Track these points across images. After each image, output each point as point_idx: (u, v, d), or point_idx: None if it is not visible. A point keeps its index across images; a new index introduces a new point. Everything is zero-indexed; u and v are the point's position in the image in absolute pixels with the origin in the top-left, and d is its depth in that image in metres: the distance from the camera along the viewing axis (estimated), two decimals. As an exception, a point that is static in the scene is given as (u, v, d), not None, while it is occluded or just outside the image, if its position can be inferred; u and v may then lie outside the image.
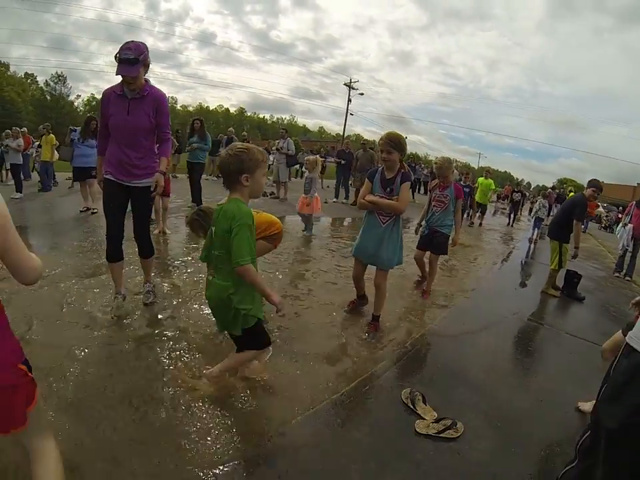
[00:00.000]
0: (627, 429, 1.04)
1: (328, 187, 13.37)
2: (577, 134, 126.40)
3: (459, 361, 2.70)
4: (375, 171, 2.93)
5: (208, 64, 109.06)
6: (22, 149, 8.94)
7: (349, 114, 34.98)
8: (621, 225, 8.26)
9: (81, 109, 55.00)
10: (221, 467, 1.51)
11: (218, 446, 1.61)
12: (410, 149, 74.55)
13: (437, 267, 4.04)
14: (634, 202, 7.62)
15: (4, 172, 10.82)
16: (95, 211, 6.45)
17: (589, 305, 4.52)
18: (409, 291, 4.05)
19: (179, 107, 71.41)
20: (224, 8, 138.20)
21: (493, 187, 11.45)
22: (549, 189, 15.55)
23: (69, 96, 51.57)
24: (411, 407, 2.02)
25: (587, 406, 2.21)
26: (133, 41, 2.46)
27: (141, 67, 2.46)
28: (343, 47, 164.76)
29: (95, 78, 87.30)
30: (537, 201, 10.98)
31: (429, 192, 4.10)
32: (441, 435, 1.85)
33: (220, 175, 2.88)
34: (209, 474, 1.48)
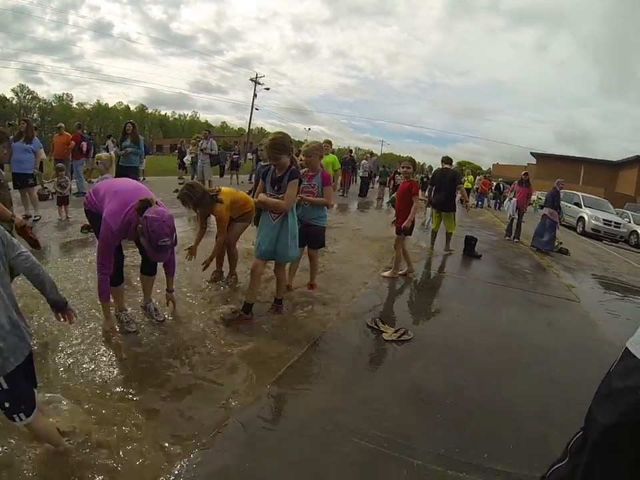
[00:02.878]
0: (620, 426, 1.09)
1: (242, 182, 13.86)
2: (473, 121, 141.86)
3: (396, 300, 3.91)
4: (267, 170, 2.95)
5: (104, 57, 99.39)
6: None
7: (255, 109, 35.46)
8: (507, 199, 10.56)
9: None
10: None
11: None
12: (311, 139, 76.83)
13: (317, 260, 3.88)
14: (516, 181, 9.78)
15: None
16: (37, 217, 6.40)
17: (485, 260, 6.14)
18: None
19: (74, 105, 65.39)
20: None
21: (337, 167, 7.72)
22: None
23: None
24: (376, 327, 3.08)
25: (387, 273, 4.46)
26: (165, 222, 2.25)
27: None
28: (245, 40, 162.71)
29: None
30: None
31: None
32: (400, 339, 2.93)
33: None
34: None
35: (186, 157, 12.57)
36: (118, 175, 7.19)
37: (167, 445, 1.72)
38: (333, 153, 7.85)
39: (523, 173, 9.27)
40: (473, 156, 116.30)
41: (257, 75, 34.70)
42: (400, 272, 4.60)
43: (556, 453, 1.43)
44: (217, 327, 2.85)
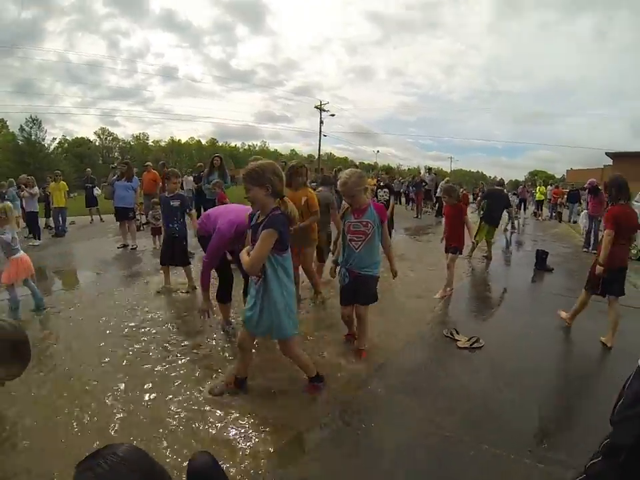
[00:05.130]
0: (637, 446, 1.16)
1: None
2: (540, 127, 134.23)
3: (470, 313, 4.30)
4: (252, 214, 2.41)
5: (172, 98, 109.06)
6: (37, 197, 9.85)
7: (322, 135, 37.21)
8: (582, 211, 10.44)
9: (57, 152, 54.79)
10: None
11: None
12: (381, 161, 75.13)
13: (367, 318, 3.18)
14: (587, 190, 9.58)
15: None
16: (135, 246, 7.58)
17: (557, 273, 6.30)
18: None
19: (150, 143, 72.61)
20: (183, 41, 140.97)
21: None
22: (520, 185, 18.15)
23: (43, 140, 51.24)
24: (451, 336, 3.55)
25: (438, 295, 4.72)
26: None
27: None
28: (302, 69, 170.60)
29: (61, 120, 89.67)
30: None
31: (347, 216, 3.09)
32: (473, 346, 3.39)
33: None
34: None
35: None
36: (206, 208, 8.14)
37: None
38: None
39: (588, 182, 9.09)
40: (545, 164, 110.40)
41: (320, 102, 36.68)
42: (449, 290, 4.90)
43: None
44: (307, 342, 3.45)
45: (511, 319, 4.26)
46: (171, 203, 4.82)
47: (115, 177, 8.04)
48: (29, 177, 10.31)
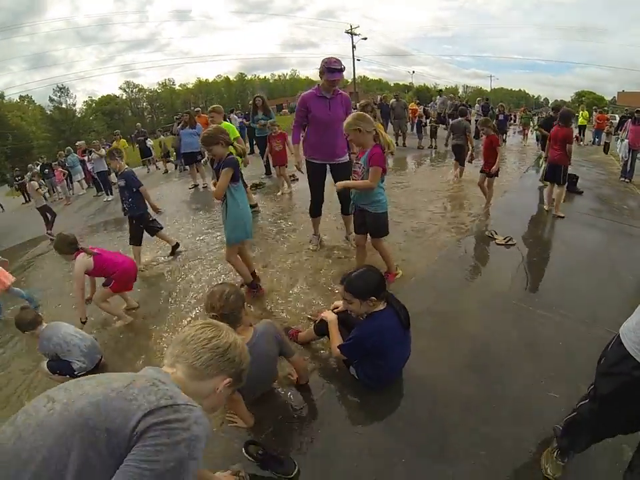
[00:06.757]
0: (613, 396, 1.55)
1: None
2: (592, 43, 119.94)
3: (506, 221, 5.35)
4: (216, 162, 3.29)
5: (191, 39, 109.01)
6: (104, 157, 11.13)
7: (355, 60, 37.21)
8: (619, 140, 10.59)
9: (87, 113, 57.67)
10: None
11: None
12: (416, 81, 75.85)
13: (386, 247, 3.59)
14: (629, 119, 9.87)
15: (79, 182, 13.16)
16: (205, 185, 8.50)
17: (586, 196, 7.09)
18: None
19: (178, 87, 72.47)
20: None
21: (236, 135, 5.96)
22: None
23: (74, 105, 54.56)
24: (491, 236, 4.76)
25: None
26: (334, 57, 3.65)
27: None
28: None
29: (82, 83, 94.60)
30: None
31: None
32: (508, 243, 4.59)
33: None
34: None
35: None
36: (258, 144, 8.93)
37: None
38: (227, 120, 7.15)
39: (636, 110, 9.30)
40: (595, 83, 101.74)
41: (351, 26, 36.30)
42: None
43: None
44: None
45: (539, 228, 5.39)
46: (118, 183, 4.69)
47: (179, 127, 9.14)
48: (95, 141, 11.78)
